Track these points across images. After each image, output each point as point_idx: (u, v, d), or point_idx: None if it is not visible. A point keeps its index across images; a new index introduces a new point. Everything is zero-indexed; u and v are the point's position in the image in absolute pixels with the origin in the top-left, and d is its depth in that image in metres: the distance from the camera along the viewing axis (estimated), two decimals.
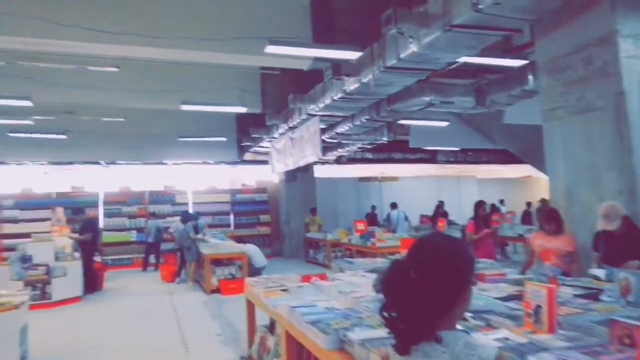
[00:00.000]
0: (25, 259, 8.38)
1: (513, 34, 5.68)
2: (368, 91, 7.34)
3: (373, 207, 16.23)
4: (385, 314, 1.36)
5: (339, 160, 17.39)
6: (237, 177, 20.02)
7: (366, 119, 9.50)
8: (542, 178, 20.69)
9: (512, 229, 11.07)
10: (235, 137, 14.45)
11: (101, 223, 13.93)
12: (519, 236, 10.55)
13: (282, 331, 3.50)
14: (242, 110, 9.79)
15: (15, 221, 13.23)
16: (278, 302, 3.65)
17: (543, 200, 12.16)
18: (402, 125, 12.88)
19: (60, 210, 10.63)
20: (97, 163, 14.59)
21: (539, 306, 2.40)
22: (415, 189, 17.48)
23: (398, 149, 17.51)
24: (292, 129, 10.67)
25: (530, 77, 7.00)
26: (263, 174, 18.81)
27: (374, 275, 4.29)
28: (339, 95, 7.68)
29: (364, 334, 2.47)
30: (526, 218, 14.47)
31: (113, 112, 11.63)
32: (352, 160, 17.61)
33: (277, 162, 11.85)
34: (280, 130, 11.35)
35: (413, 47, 5.58)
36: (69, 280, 8.57)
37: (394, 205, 13.67)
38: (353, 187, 17.17)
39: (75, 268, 8.82)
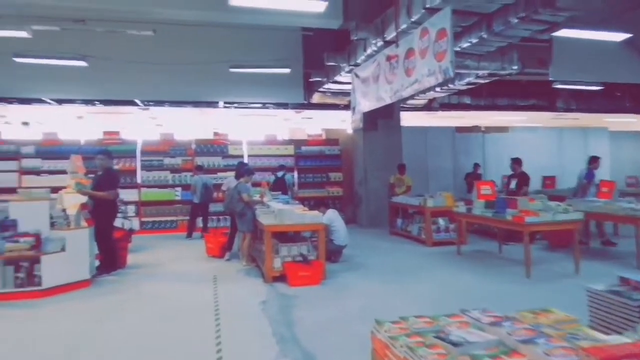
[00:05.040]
0: (6, 225, 5.71)
1: None
2: None
3: (476, 166, 12.46)
4: None
5: (429, 106, 13.79)
6: (300, 126, 16.94)
7: (519, 19, 5.90)
8: None
9: None
10: (301, 70, 11.10)
11: (139, 177, 11.41)
12: None
13: None
14: (321, 7, 6.34)
15: (37, 172, 10.90)
16: None
17: None
18: (539, 49, 9.19)
19: (77, 159, 7.95)
20: (133, 103, 11.84)
21: None
22: (529, 142, 13.56)
23: (503, 93, 13.91)
24: (388, 44, 7.22)
25: None
26: (333, 123, 15.67)
27: None
28: None
29: None
30: None
31: (138, 25, 8.29)
32: (445, 105, 13.98)
33: (363, 97, 8.42)
34: (370, 50, 7.93)
35: None
36: (68, 257, 5.83)
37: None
38: (448, 140, 13.43)
39: (79, 239, 6.08)
